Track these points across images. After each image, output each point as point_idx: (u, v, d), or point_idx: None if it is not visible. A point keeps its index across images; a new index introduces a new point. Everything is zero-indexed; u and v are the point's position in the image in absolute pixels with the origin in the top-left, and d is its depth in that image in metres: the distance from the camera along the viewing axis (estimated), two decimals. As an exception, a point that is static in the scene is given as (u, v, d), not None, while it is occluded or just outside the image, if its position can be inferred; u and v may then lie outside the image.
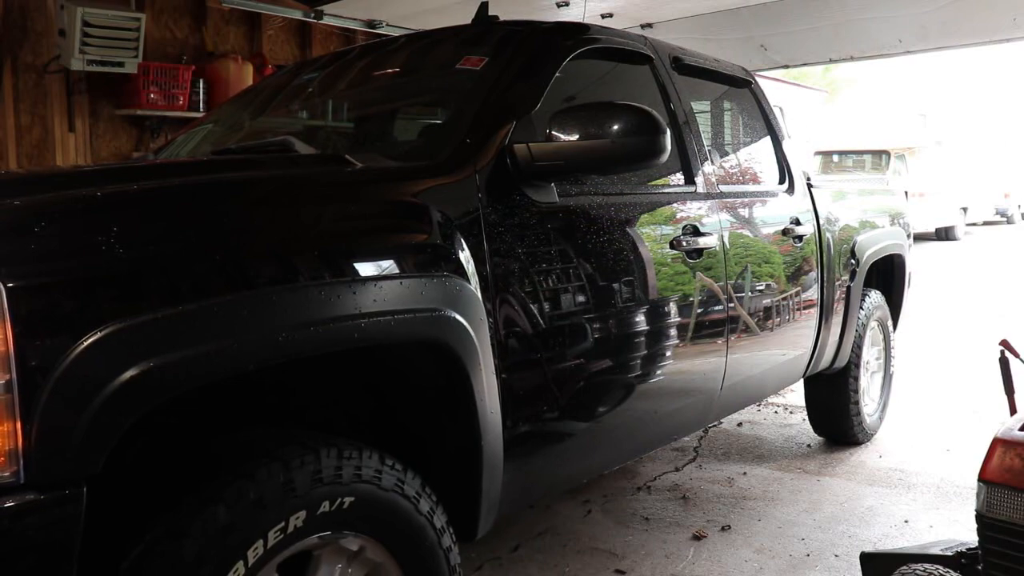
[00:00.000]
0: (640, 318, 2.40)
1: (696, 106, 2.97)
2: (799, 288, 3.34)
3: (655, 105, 2.71)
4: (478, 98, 2.15)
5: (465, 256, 1.81)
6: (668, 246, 2.53)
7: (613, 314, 2.28)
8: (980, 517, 1.92)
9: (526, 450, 2.03)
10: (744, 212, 3.06)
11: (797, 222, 3.33)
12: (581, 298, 2.17)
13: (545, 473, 2.20)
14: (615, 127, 2.01)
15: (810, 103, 20.07)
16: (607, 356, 2.27)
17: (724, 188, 2.94)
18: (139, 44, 5.16)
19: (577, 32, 2.54)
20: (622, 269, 2.33)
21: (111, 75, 5.23)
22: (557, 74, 2.31)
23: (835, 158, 16.49)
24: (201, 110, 5.51)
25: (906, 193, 11.85)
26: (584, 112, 2.04)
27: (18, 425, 1.17)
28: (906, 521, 3.23)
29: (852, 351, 3.84)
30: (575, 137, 2.02)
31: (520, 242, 1.99)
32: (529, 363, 2.00)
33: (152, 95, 5.37)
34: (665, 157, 2.07)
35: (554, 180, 2.12)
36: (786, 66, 7.54)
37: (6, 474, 1.18)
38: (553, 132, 2.03)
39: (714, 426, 4.48)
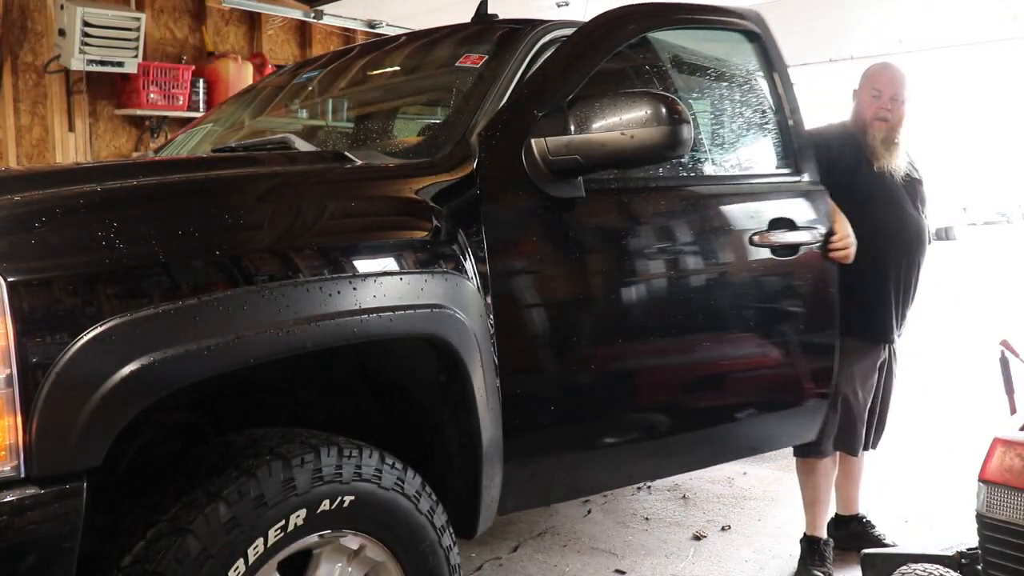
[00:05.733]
0: (670, 323, 2.20)
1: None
2: None
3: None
4: (479, 95, 2.12)
5: (465, 253, 1.79)
6: (747, 242, 2.32)
7: (630, 317, 2.13)
8: (980, 517, 1.92)
9: (528, 450, 2.00)
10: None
11: None
12: (593, 298, 2.05)
13: (549, 476, 2.12)
14: (632, 117, 1.87)
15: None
16: (618, 363, 2.14)
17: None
18: (139, 44, 5.16)
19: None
20: (656, 267, 2.17)
21: (111, 75, 5.23)
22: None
23: (835, 159, 16.45)
24: (201, 110, 5.50)
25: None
26: (601, 102, 1.91)
27: (18, 419, 1.18)
28: (906, 521, 3.23)
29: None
30: (595, 129, 1.88)
31: (526, 239, 1.94)
32: (531, 362, 1.97)
33: (152, 95, 5.37)
34: (686, 150, 1.93)
35: (572, 176, 1.97)
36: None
37: (7, 468, 1.18)
38: (572, 125, 1.91)
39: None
